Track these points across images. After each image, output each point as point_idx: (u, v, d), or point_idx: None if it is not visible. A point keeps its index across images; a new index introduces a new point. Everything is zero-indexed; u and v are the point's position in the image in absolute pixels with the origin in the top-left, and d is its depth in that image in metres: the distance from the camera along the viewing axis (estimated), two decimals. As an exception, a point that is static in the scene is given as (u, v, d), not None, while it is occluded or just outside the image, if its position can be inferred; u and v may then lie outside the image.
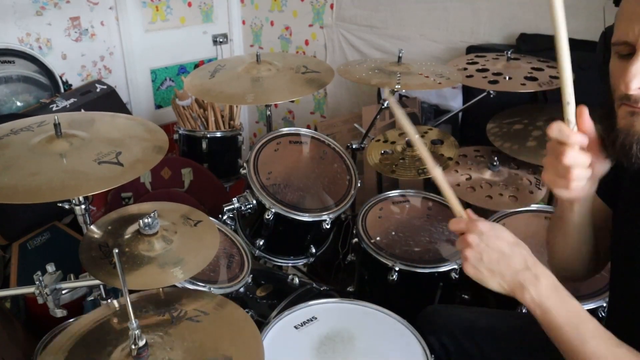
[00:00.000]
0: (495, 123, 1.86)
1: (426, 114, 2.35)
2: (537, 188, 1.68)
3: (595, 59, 1.88)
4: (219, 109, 2.53)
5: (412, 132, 0.88)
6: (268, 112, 2.06)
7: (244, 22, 3.31)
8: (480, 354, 1.17)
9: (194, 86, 1.75)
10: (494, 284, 0.84)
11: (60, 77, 2.49)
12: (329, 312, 1.30)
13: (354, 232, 1.68)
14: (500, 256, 0.83)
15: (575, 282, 1.32)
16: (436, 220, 1.72)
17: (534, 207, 1.65)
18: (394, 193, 1.82)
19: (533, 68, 1.80)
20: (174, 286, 1.28)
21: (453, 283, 1.54)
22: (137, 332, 0.89)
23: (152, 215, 1.16)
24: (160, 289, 1.14)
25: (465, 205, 1.77)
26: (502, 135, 1.80)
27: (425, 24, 2.42)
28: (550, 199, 1.85)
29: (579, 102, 0.82)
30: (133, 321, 0.89)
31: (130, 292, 0.95)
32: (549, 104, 1.92)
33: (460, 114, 2.24)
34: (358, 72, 1.79)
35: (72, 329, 1.02)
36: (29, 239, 2.05)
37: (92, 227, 1.22)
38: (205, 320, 1.03)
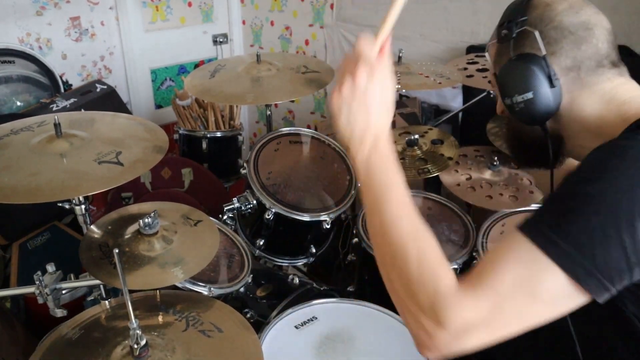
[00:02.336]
0: (496, 123, 1.86)
1: (426, 114, 2.35)
2: (537, 188, 1.68)
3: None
4: (219, 109, 2.53)
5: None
6: (268, 112, 2.06)
7: (244, 22, 3.31)
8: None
9: (194, 86, 1.75)
10: (341, 124, 0.83)
11: (61, 77, 2.49)
12: (329, 312, 1.30)
13: (354, 232, 1.68)
14: (365, 110, 0.82)
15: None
16: (436, 220, 1.72)
17: (534, 207, 1.64)
18: (394, 193, 1.82)
19: (533, 68, 1.80)
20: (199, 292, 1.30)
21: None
22: (137, 331, 0.89)
23: (152, 215, 1.16)
24: (158, 292, 1.14)
25: (466, 205, 1.78)
26: (502, 135, 1.80)
27: (425, 24, 2.42)
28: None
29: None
30: (133, 321, 0.89)
31: (130, 291, 0.95)
32: None
33: (460, 114, 2.24)
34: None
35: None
36: (29, 239, 2.04)
37: (92, 227, 1.22)
38: (216, 337, 1.02)
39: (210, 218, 1.34)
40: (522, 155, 1.04)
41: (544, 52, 0.84)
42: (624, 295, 0.70)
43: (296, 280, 1.62)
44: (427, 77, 1.73)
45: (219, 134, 2.41)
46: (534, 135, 0.92)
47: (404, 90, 2.34)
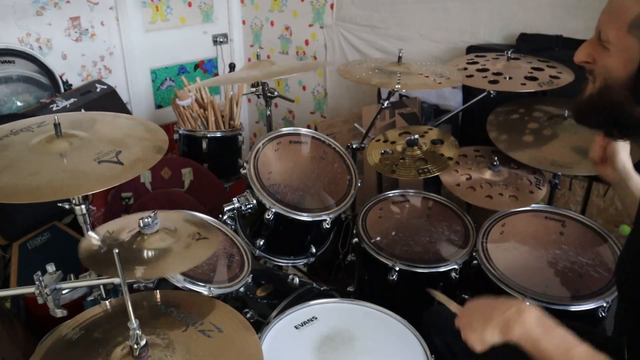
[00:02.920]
0: (494, 116, 1.86)
1: (426, 114, 2.35)
2: (537, 188, 1.68)
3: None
4: (219, 109, 2.53)
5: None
6: (268, 112, 2.06)
7: (244, 22, 3.31)
8: (484, 354, 1.17)
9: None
10: (489, 333, 0.93)
11: (61, 77, 2.49)
12: (329, 312, 1.30)
13: (354, 232, 1.68)
14: (485, 307, 0.97)
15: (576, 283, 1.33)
16: (436, 220, 1.72)
17: (534, 207, 1.64)
18: (394, 193, 1.82)
19: (533, 68, 1.80)
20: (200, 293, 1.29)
21: (453, 283, 1.54)
22: (137, 332, 0.89)
23: (152, 215, 1.16)
24: (158, 292, 1.14)
25: (466, 205, 1.78)
26: (497, 124, 1.78)
27: (425, 24, 2.42)
28: (551, 198, 1.85)
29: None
30: (133, 321, 0.89)
31: (130, 291, 0.95)
32: (546, 97, 1.92)
33: (460, 114, 2.24)
34: (358, 72, 1.79)
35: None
36: (29, 239, 2.05)
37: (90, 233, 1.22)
38: (216, 337, 1.02)
39: (211, 218, 1.33)
40: (594, 115, 0.99)
41: None
42: None
43: (296, 280, 1.62)
44: (427, 77, 1.72)
45: (219, 134, 2.41)
46: (628, 107, 0.89)
47: (404, 90, 2.35)
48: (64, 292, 1.16)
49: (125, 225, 1.20)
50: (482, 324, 0.94)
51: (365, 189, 2.39)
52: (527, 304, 0.93)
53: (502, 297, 0.97)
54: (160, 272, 1.13)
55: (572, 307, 1.35)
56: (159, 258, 1.10)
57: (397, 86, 1.67)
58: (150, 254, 1.11)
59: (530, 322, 0.90)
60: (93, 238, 1.17)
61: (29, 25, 2.44)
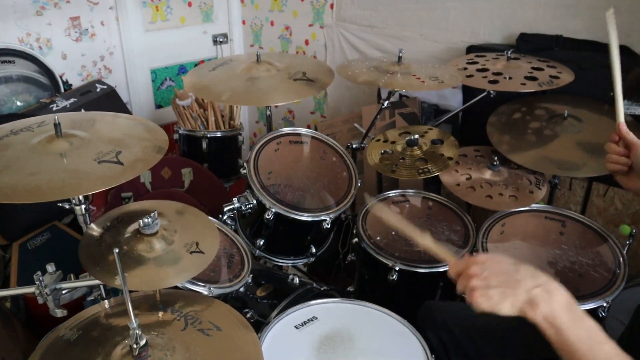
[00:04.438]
0: (495, 117, 1.85)
1: (426, 114, 2.35)
2: (537, 188, 1.68)
3: (596, 59, 1.88)
4: (219, 109, 2.53)
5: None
6: (268, 112, 2.06)
7: (244, 22, 3.31)
8: (477, 352, 1.17)
9: (191, 76, 1.76)
10: (507, 306, 0.81)
11: (61, 77, 2.49)
12: (329, 312, 1.30)
13: (354, 232, 1.68)
14: (507, 276, 0.82)
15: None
16: (436, 220, 1.72)
17: (534, 207, 1.64)
18: (394, 193, 1.82)
19: (533, 68, 1.80)
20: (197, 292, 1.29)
21: (453, 283, 1.54)
22: (137, 331, 0.89)
23: (152, 215, 1.16)
24: (158, 291, 1.14)
25: (466, 205, 1.78)
26: (500, 125, 1.78)
27: (425, 24, 2.42)
28: (550, 198, 1.85)
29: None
30: (133, 321, 0.89)
31: (131, 291, 0.95)
32: (547, 95, 1.92)
33: (460, 114, 2.24)
34: (352, 70, 1.79)
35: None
36: (29, 239, 2.05)
37: (92, 225, 1.22)
38: (215, 336, 1.02)
39: (211, 218, 1.33)
40: None
41: None
42: None
43: (296, 280, 1.62)
44: (418, 79, 1.72)
45: (219, 134, 2.41)
46: None
47: (404, 90, 2.35)
48: (63, 292, 1.17)
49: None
50: (500, 295, 0.81)
51: (366, 189, 2.39)
52: (556, 283, 0.82)
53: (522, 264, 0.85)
54: (143, 285, 1.11)
55: (572, 307, 1.35)
56: (147, 268, 1.10)
57: (381, 82, 1.67)
58: (143, 260, 1.11)
59: (559, 308, 0.78)
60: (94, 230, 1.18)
61: (29, 25, 2.44)
